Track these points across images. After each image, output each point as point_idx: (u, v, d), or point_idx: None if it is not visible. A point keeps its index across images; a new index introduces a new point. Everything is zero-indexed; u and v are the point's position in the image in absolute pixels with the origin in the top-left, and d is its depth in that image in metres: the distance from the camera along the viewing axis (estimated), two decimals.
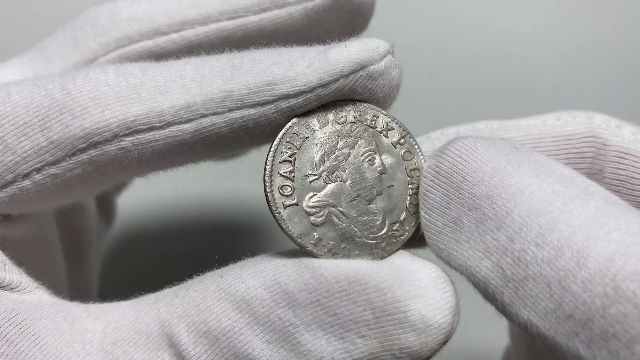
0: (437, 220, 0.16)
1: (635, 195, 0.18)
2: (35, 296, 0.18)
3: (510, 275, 0.15)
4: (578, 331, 0.13)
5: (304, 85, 0.17)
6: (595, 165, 0.18)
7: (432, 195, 0.16)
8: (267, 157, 0.17)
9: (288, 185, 0.17)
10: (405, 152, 0.18)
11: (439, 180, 0.16)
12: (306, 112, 0.17)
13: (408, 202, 0.18)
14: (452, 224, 0.16)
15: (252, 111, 0.17)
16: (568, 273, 0.14)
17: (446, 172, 0.16)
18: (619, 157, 0.18)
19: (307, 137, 0.17)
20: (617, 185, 0.18)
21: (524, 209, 0.15)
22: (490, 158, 0.16)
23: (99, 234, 0.27)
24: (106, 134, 0.17)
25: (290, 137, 0.17)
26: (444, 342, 0.16)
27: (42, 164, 0.17)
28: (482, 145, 0.16)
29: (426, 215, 0.17)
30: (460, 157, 0.16)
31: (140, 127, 0.17)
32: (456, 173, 0.16)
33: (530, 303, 0.14)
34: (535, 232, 0.14)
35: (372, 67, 0.17)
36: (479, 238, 0.15)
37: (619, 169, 0.18)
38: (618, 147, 0.18)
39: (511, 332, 0.21)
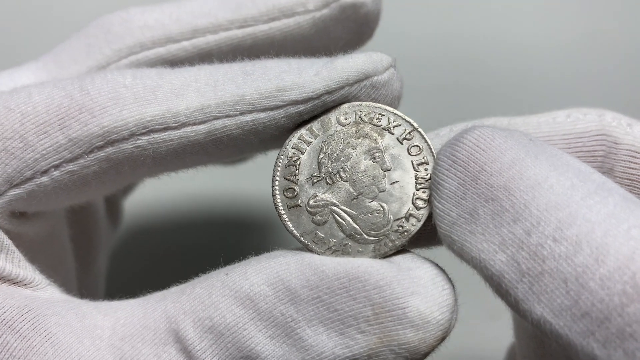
0: (451, 211, 0.16)
1: None
2: (47, 293, 0.19)
3: (525, 270, 0.14)
4: (594, 330, 0.13)
5: (312, 92, 0.17)
6: (606, 164, 0.18)
7: (447, 185, 0.16)
8: (275, 162, 0.18)
9: (292, 188, 0.18)
10: (412, 146, 0.18)
11: (454, 169, 0.16)
12: (312, 117, 0.18)
13: (415, 197, 0.17)
14: (467, 214, 0.15)
15: (262, 115, 0.18)
16: (586, 269, 0.13)
17: (463, 161, 0.16)
18: (630, 155, 0.18)
19: (312, 142, 0.18)
20: (628, 185, 0.18)
21: (543, 202, 0.14)
22: (509, 148, 0.15)
23: (106, 235, 0.28)
24: (123, 132, 0.17)
25: (296, 142, 0.18)
26: (442, 339, 0.16)
27: (61, 161, 0.18)
28: (500, 135, 0.16)
29: (440, 205, 0.16)
30: (477, 146, 0.16)
31: (157, 126, 0.17)
32: (473, 162, 0.15)
33: (545, 299, 0.14)
34: (553, 226, 0.14)
35: (375, 77, 0.18)
36: (495, 230, 0.15)
37: (630, 167, 0.18)
38: (629, 145, 0.18)
39: (517, 331, 0.21)
